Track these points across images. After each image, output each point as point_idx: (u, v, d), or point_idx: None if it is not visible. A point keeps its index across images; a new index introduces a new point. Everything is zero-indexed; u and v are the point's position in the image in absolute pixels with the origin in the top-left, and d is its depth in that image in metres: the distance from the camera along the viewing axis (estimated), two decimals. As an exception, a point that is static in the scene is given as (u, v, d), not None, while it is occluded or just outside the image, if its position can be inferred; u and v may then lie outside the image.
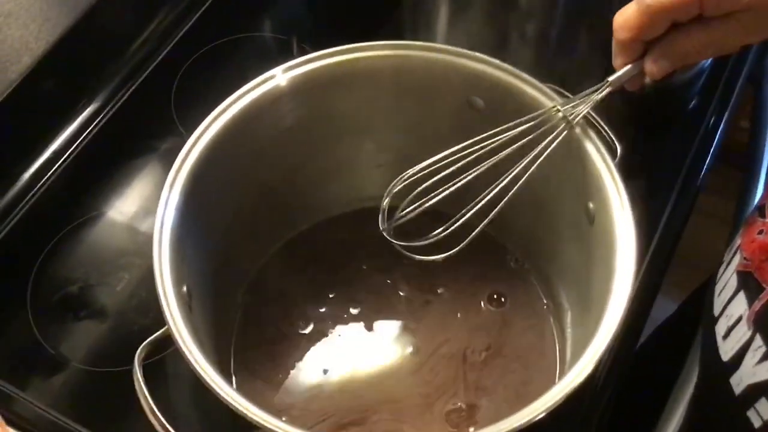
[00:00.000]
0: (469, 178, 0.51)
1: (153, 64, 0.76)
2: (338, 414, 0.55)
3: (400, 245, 0.53)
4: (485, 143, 0.51)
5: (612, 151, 0.52)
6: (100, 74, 0.74)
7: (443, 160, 0.51)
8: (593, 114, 0.53)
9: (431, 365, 0.58)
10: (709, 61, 0.71)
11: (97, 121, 0.72)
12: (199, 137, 0.51)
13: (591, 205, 0.52)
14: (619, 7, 0.48)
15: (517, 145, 0.51)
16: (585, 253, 0.53)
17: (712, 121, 0.73)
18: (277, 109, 0.55)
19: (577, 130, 0.52)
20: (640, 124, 0.72)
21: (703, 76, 0.73)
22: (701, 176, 0.71)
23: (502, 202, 0.51)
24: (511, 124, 0.51)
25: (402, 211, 0.52)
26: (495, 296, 0.61)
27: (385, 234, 0.53)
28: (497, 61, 0.54)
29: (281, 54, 0.78)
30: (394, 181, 0.52)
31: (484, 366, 0.58)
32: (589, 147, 0.52)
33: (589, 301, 0.52)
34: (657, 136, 0.73)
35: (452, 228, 0.52)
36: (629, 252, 0.48)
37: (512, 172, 0.51)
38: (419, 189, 0.51)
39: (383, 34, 0.56)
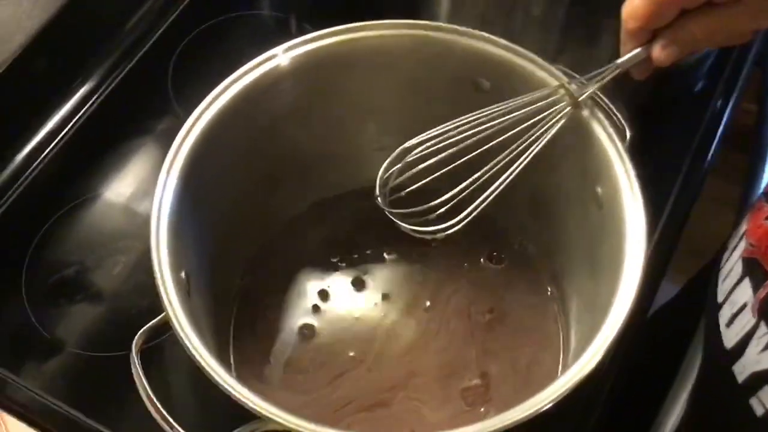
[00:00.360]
0: (472, 155, 0.50)
1: (149, 42, 0.74)
2: (361, 398, 0.55)
3: (396, 217, 0.52)
4: (489, 119, 0.50)
5: (621, 134, 0.51)
6: (94, 53, 0.72)
7: (445, 134, 0.50)
8: (601, 96, 0.52)
9: (443, 339, 0.57)
10: (718, 42, 0.69)
11: (92, 101, 0.70)
12: (197, 119, 0.50)
13: (599, 190, 0.51)
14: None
15: (521, 122, 0.50)
16: (593, 239, 0.52)
17: (718, 104, 0.72)
18: (277, 89, 0.54)
19: (586, 112, 0.51)
20: (646, 108, 0.71)
21: (710, 58, 0.72)
22: (708, 160, 0.70)
23: (506, 181, 0.50)
24: (515, 99, 0.50)
25: (400, 183, 0.51)
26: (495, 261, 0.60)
27: (381, 205, 0.52)
28: (504, 41, 0.53)
29: (280, 33, 0.77)
30: (395, 152, 0.51)
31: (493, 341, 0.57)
32: (598, 130, 0.50)
33: (596, 288, 0.51)
34: (663, 119, 0.72)
35: (453, 202, 0.50)
36: (639, 239, 0.47)
37: (516, 149, 0.50)
38: (421, 166, 0.50)
39: (384, 13, 0.55)
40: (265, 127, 0.55)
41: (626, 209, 0.48)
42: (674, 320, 0.74)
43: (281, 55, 0.53)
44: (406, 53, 0.55)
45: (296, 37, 0.54)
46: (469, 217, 0.51)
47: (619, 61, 0.50)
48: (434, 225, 0.51)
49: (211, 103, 0.51)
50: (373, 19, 0.55)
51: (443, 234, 0.51)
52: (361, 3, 0.71)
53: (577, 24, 0.63)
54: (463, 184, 0.50)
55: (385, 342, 0.57)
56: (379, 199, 0.52)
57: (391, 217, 0.52)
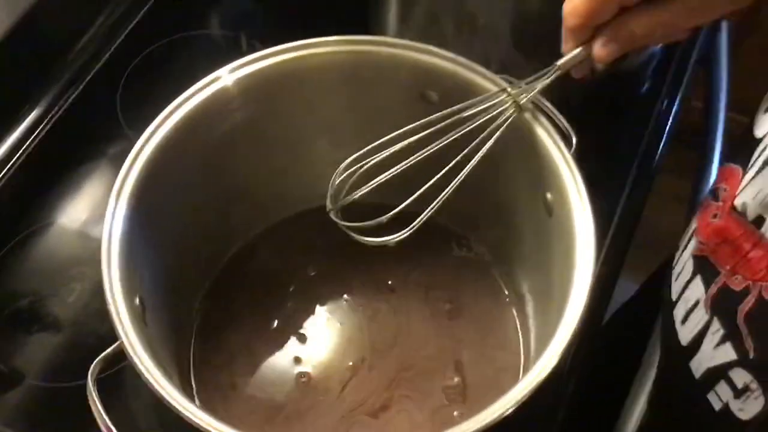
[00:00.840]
0: (417, 159, 0.50)
1: (98, 65, 0.73)
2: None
3: (347, 226, 0.52)
4: (434, 126, 0.50)
5: (567, 140, 0.51)
6: (42, 77, 0.71)
7: (391, 143, 0.50)
8: (546, 103, 0.52)
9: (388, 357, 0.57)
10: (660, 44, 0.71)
11: (41, 126, 0.70)
12: (145, 143, 0.50)
13: (549, 196, 0.52)
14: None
15: (466, 128, 0.50)
16: (545, 245, 0.53)
17: (665, 103, 0.74)
18: (225, 110, 0.54)
19: (532, 119, 0.52)
20: (594, 110, 0.72)
21: (654, 59, 0.73)
22: (657, 158, 0.71)
23: (453, 186, 0.50)
24: (459, 106, 0.51)
25: (349, 190, 0.52)
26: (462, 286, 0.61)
27: (332, 216, 0.52)
28: (449, 53, 0.54)
29: (230, 51, 0.77)
30: (343, 164, 0.51)
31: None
32: (545, 137, 0.51)
33: (551, 292, 0.52)
34: (611, 121, 0.73)
35: (400, 208, 0.50)
36: (588, 244, 0.47)
37: (462, 155, 0.50)
38: (369, 176, 0.50)
39: (334, 29, 0.55)
40: (215, 148, 0.55)
41: (575, 215, 0.49)
42: (633, 319, 0.75)
43: (226, 76, 0.53)
44: (354, 69, 0.55)
45: (247, 55, 0.54)
46: (418, 224, 0.51)
47: (560, 62, 0.51)
48: (386, 234, 0.51)
49: (158, 126, 0.51)
50: (323, 35, 0.55)
51: (395, 241, 0.51)
52: (311, 20, 0.71)
53: (523, 34, 0.64)
54: (414, 196, 0.50)
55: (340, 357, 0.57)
56: (331, 213, 0.52)
57: (345, 230, 0.52)
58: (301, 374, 0.57)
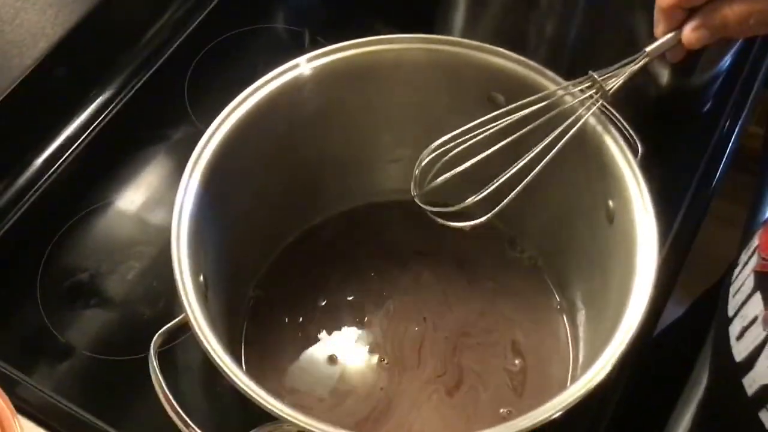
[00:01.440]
0: (498, 146, 0.50)
1: (166, 54, 0.75)
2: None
3: (430, 211, 0.53)
4: (516, 114, 0.51)
5: (633, 149, 0.51)
6: (113, 62, 0.73)
7: (473, 130, 0.51)
8: (614, 112, 0.52)
9: (440, 355, 0.58)
10: (727, 63, 0.71)
11: (109, 109, 0.71)
12: (219, 124, 0.51)
13: (611, 204, 0.52)
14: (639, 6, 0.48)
15: (549, 116, 0.50)
16: (603, 253, 0.53)
17: (726, 125, 0.73)
18: (298, 98, 0.55)
19: (596, 123, 0.52)
20: (655, 127, 0.72)
21: (719, 79, 0.73)
22: (715, 180, 0.70)
23: (534, 174, 0.50)
24: (543, 93, 0.51)
25: (431, 178, 0.52)
26: (507, 293, 0.61)
27: (416, 200, 0.53)
28: (518, 56, 0.54)
29: (294, 46, 0.78)
30: (425, 151, 0.52)
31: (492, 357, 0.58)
32: (611, 144, 0.51)
33: (606, 302, 0.52)
34: (672, 139, 0.73)
35: (482, 195, 0.51)
36: (651, 253, 0.47)
37: (544, 142, 0.50)
38: (446, 158, 0.51)
39: (399, 27, 0.56)
40: (284, 136, 0.56)
41: (637, 223, 0.49)
42: (679, 339, 0.75)
43: (304, 65, 0.54)
44: (422, 67, 0.56)
45: (310, 50, 0.55)
46: (496, 211, 0.52)
47: (649, 48, 0.50)
48: (463, 220, 0.52)
49: (233, 111, 0.52)
50: (386, 33, 0.56)
51: (473, 225, 0.52)
52: (375, 17, 0.72)
53: (589, 40, 0.64)
54: (501, 179, 0.51)
55: (395, 366, 0.58)
56: (416, 198, 0.53)
57: (430, 214, 0.53)
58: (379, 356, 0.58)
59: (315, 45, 0.55)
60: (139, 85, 0.73)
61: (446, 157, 0.51)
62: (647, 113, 0.72)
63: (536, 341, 0.59)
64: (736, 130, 0.73)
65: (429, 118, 0.58)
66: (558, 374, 0.57)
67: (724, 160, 0.71)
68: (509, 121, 0.50)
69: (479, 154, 0.50)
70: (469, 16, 0.67)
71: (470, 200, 0.51)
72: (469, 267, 0.62)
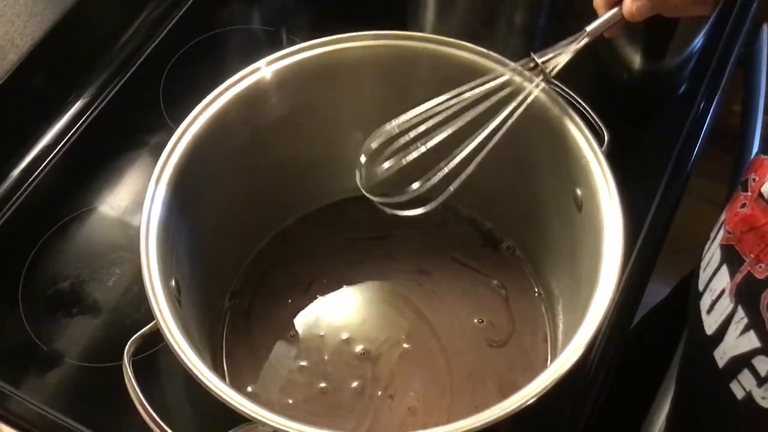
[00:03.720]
0: (446, 132, 0.50)
1: (141, 58, 0.75)
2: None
3: (378, 201, 0.53)
4: (461, 99, 0.51)
5: (599, 138, 0.52)
6: (88, 69, 0.74)
7: (419, 116, 0.51)
8: (579, 100, 0.53)
9: (421, 348, 0.58)
10: (699, 44, 0.71)
11: (86, 116, 0.72)
12: (184, 131, 0.51)
13: (579, 192, 0.52)
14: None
15: (495, 98, 0.50)
16: (574, 240, 0.53)
17: (702, 105, 0.73)
18: (263, 101, 0.55)
19: (561, 113, 0.52)
20: (631, 110, 0.72)
21: (692, 60, 0.73)
22: (692, 161, 0.71)
23: (480, 155, 0.50)
24: (486, 77, 0.51)
25: (378, 166, 0.52)
26: (494, 283, 0.62)
27: (363, 191, 0.53)
28: (483, 50, 0.54)
29: (270, 46, 0.78)
30: (369, 138, 0.52)
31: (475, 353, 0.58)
32: (576, 134, 0.51)
33: (579, 289, 0.52)
34: (648, 122, 0.73)
35: (430, 182, 0.51)
36: (616, 239, 0.48)
37: (491, 125, 0.50)
38: (395, 146, 0.51)
39: (373, 25, 0.56)
40: (252, 138, 0.56)
41: (604, 211, 0.49)
42: (662, 323, 0.75)
43: (264, 68, 0.54)
44: (389, 63, 0.56)
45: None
46: (444, 196, 0.52)
47: (590, 27, 0.50)
48: (414, 207, 0.53)
49: (198, 115, 0.52)
50: (359, 31, 0.56)
51: (423, 212, 0.53)
52: (349, 16, 0.72)
53: (557, 33, 0.64)
54: (443, 163, 0.51)
55: (388, 356, 0.58)
56: (363, 191, 0.53)
57: (378, 205, 0.54)
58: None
59: (291, 45, 0.55)
60: (114, 90, 0.73)
61: (393, 145, 0.51)
62: (622, 97, 0.73)
63: (516, 330, 0.59)
64: (711, 109, 0.73)
65: (398, 113, 0.58)
66: (537, 363, 0.58)
67: (700, 139, 0.72)
68: (455, 106, 0.50)
69: (429, 141, 0.50)
70: (440, 11, 0.67)
71: (415, 188, 0.51)
72: (447, 259, 0.62)
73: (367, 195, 0.53)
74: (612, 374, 0.60)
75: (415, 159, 0.51)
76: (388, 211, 0.53)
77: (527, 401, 0.44)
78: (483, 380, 0.57)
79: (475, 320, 0.60)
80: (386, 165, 0.51)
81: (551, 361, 0.58)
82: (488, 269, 0.62)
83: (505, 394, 0.44)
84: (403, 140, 0.51)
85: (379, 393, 0.56)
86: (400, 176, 0.51)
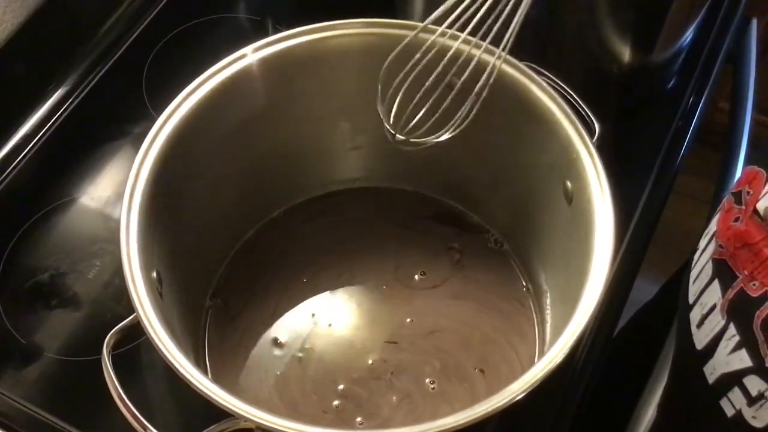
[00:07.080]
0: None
1: (124, 46, 0.74)
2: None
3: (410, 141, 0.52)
4: None
5: (590, 129, 0.51)
6: (69, 57, 0.72)
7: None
8: (570, 92, 0.52)
9: (409, 343, 0.58)
10: (688, 40, 0.70)
11: (67, 104, 0.70)
12: (167, 119, 0.50)
13: (569, 185, 0.51)
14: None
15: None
16: (563, 234, 0.53)
17: (690, 101, 0.73)
18: (248, 89, 0.54)
19: (551, 103, 0.51)
20: (619, 105, 0.72)
21: (681, 55, 0.72)
22: (680, 157, 0.70)
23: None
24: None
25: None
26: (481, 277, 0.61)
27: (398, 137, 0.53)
28: (472, 39, 0.53)
29: (256, 35, 0.76)
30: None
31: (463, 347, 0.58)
32: (567, 125, 0.51)
33: (568, 283, 0.52)
34: (635, 117, 0.73)
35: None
36: (607, 233, 0.47)
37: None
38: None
39: (361, 14, 0.55)
40: (236, 127, 0.55)
41: (594, 204, 0.48)
42: (649, 324, 0.75)
43: (250, 55, 0.53)
44: (377, 51, 0.55)
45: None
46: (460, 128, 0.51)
47: None
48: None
49: (181, 103, 0.51)
50: (346, 19, 0.55)
51: (434, 142, 0.52)
52: (336, 5, 0.71)
53: (547, 23, 0.64)
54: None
55: (366, 348, 0.58)
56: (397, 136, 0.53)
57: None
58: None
59: (276, 34, 0.54)
60: (96, 79, 0.72)
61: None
62: (611, 91, 0.72)
63: (504, 325, 0.59)
64: (700, 105, 0.73)
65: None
66: (524, 358, 0.57)
67: (688, 136, 0.71)
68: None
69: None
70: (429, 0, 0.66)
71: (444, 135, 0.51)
72: (434, 252, 0.62)
73: (402, 138, 0.52)
74: (599, 371, 0.60)
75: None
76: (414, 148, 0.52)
77: (515, 397, 0.43)
78: (471, 376, 0.57)
79: (464, 315, 0.59)
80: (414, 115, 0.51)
81: (539, 356, 0.57)
82: (475, 263, 0.61)
83: (492, 390, 0.43)
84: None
85: (366, 389, 0.56)
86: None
